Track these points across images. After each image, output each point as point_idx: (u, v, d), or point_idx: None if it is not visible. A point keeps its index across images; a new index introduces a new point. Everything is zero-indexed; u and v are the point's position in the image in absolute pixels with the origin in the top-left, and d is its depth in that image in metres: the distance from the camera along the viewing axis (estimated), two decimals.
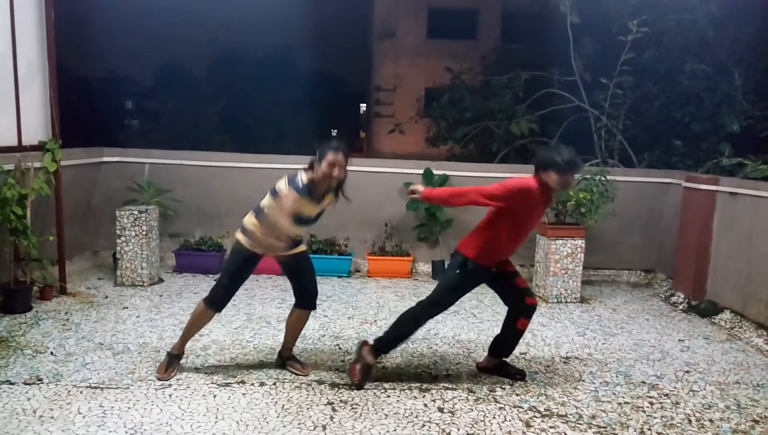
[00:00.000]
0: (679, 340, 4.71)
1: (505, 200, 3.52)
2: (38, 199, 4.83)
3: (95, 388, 3.39)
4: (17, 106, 4.74)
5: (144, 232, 5.45)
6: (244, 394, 3.40)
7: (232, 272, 3.54)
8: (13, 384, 3.39)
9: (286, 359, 3.82)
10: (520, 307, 3.74)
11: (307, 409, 3.26)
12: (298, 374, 3.71)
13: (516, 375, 3.78)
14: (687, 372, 4.05)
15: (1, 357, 3.74)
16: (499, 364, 3.85)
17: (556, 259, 5.57)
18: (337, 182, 3.41)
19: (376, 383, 3.62)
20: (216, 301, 3.56)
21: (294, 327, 3.83)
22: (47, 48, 4.99)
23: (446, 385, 3.65)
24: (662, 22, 7.87)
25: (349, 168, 3.44)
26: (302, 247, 3.70)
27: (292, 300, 5.24)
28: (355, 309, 5.12)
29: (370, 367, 3.61)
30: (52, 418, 3.04)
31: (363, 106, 25.45)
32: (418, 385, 3.63)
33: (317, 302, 3.85)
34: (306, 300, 3.77)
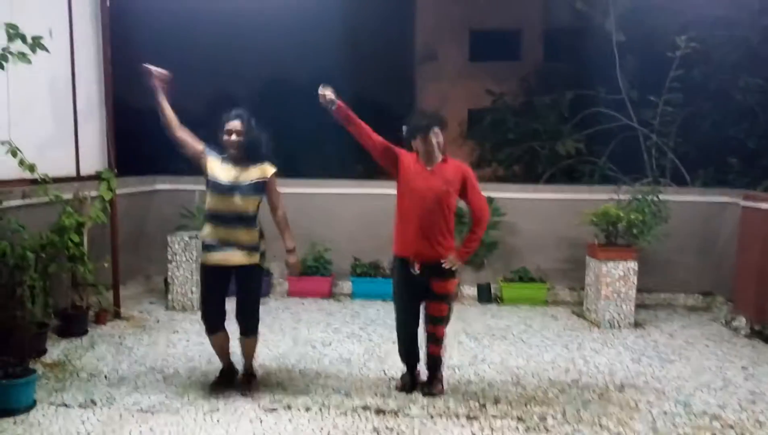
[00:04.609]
0: (743, 367, 4.46)
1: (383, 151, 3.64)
2: (94, 226, 5.02)
3: (146, 411, 3.45)
4: (76, 139, 4.98)
5: (194, 258, 5.58)
6: (290, 419, 3.40)
7: (203, 294, 3.77)
8: (68, 407, 3.49)
9: (243, 377, 3.91)
10: (426, 328, 3.78)
11: None
12: (241, 393, 3.73)
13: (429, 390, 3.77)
14: (752, 402, 3.82)
15: (58, 380, 3.87)
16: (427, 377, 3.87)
17: (608, 282, 5.39)
18: (242, 147, 3.55)
19: (422, 410, 3.56)
20: (205, 326, 3.75)
21: (242, 351, 3.86)
22: (104, 83, 5.24)
23: (494, 413, 3.56)
24: (712, 38, 7.66)
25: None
26: (254, 258, 3.64)
27: (337, 324, 5.28)
28: None
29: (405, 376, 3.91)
30: None
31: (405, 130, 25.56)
32: (465, 412, 3.55)
33: (259, 330, 3.85)
34: (239, 323, 3.74)
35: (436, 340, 3.76)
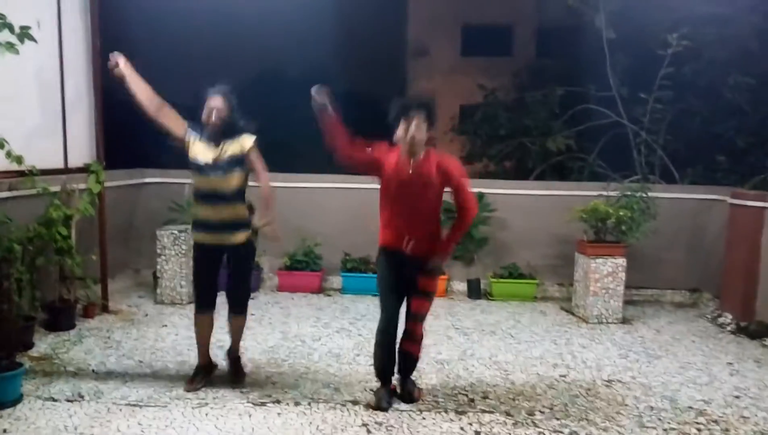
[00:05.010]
0: (728, 363, 4.51)
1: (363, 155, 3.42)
2: (82, 219, 4.97)
3: (134, 405, 3.44)
4: (64, 131, 4.92)
5: (183, 252, 5.56)
6: (279, 413, 3.40)
7: (194, 272, 3.80)
8: (56, 401, 3.47)
9: (229, 359, 3.92)
10: (406, 324, 3.55)
11: (342, 430, 3.23)
12: (231, 379, 3.79)
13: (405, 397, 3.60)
14: (737, 397, 3.87)
15: (45, 374, 3.84)
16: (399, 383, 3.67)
17: (596, 278, 5.43)
18: (222, 123, 3.52)
19: (410, 405, 3.57)
20: (196, 305, 3.76)
21: (230, 329, 3.87)
22: (93, 75, 5.19)
23: (483, 407, 3.58)
24: (702, 36, 7.71)
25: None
26: (243, 236, 3.63)
27: (327, 319, 5.29)
28: None
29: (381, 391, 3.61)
30: None
31: None
32: (454, 407, 3.57)
33: (248, 309, 3.86)
34: (231, 302, 3.77)
35: (414, 339, 3.54)
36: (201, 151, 3.57)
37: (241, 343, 3.95)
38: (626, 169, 7.98)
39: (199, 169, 3.55)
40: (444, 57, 19.38)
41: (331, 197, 6.48)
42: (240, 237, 3.63)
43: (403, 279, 3.49)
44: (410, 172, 3.35)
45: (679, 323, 5.54)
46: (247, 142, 3.61)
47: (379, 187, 3.51)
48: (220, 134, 3.57)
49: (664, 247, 6.26)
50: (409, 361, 3.64)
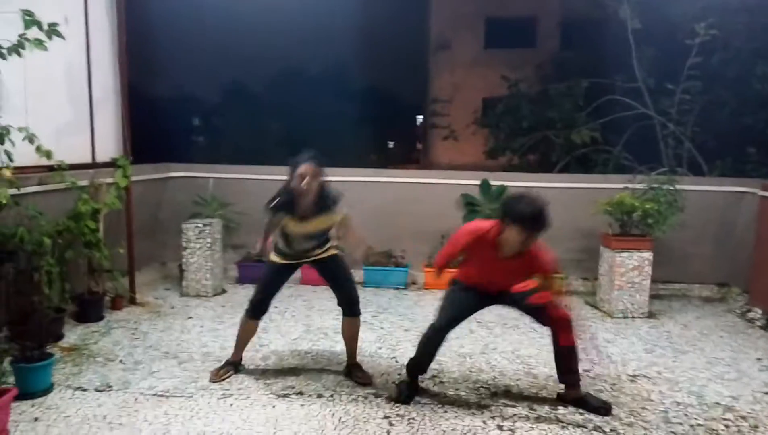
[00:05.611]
0: (757, 358, 4.41)
1: (455, 248, 3.48)
2: (110, 213, 5.06)
3: (161, 396, 3.51)
4: (92, 126, 5.02)
5: (208, 245, 5.63)
6: (302, 405, 3.43)
7: (263, 283, 3.78)
8: (85, 390, 3.55)
9: (349, 367, 3.89)
10: (549, 323, 3.50)
11: (364, 422, 3.25)
12: (358, 382, 3.74)
13: (600, 409, 3.43)
14: (766, 393, 3.78)
15: (75, 364, 3.93)
16: (576, 398, 3.53)
17: (622, 272, 5.35)
18: (316, 195, 3.46)
19: (432, 398, 3.57)
20: (251, 311, 3.78)
21: (346, 336, 3.90)
22: (120, 71, 5.27)
23: (506, 401, 3.56)
24: (730, 25, 7.52)
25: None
26: (332, 251, 3.76)
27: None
28: (411, 322, 5.09)
29: (403, 385, 3.61)
30: (121, 424, 3.17)
31: (420, 118, 25.49)
32: (476, 401, 3.56)
33: (361, 309, 3.86)
34: (345, 306, 3.80)
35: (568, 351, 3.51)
36: (292, 226, 3.56)
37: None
38: (653, 162, 7.84)
39: (294, 236, 3.61)
40: (467, 50, 19.24)
41: (353, 191, 6.41)
42: (327, 252, 3.74)
43: (475, 308, 3.57)
44: (505, 263, 3.33)
45: (707, 318, 5.44)
46: (338, 216, 3.61)
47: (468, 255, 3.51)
48: (312, 206, 3.49)
49: (691, 241, 6.14)
50: (569, 357, 3.52)
